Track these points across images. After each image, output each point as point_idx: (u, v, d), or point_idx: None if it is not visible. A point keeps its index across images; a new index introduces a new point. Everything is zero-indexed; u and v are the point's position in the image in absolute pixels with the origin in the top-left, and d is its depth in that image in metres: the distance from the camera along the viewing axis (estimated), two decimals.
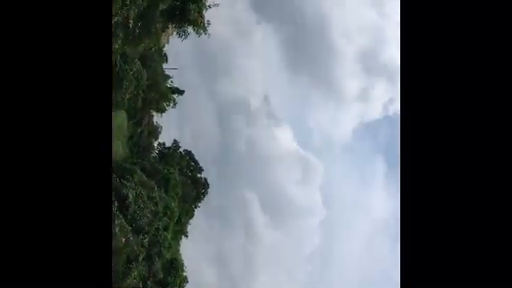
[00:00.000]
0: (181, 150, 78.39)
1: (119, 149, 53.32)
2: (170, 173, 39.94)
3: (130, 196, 31.11)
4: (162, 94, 50.99)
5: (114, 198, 30.79)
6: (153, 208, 32.57)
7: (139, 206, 31.61)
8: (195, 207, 77.38)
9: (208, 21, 41.21)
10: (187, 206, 65.18)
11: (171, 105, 53.45)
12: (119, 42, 31.72)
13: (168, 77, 59.36)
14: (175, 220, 36.98)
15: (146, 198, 32.67)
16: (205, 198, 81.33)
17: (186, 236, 45.84)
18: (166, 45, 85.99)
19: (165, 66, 68.43)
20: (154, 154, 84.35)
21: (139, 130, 73.61)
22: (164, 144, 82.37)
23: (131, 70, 37.26)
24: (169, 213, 34.31)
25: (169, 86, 56.73)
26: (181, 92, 62.29)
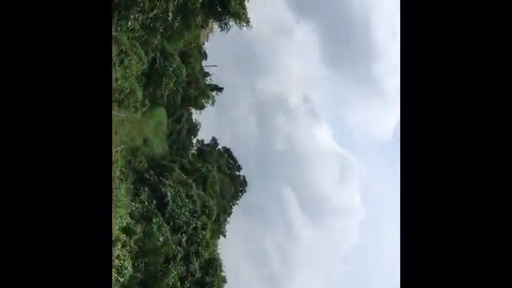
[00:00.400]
0: (219, 147, 78.10)
1: (158, 146, 53.04)
2: (209, 170, 39.08)
3: (169, 194, 30.39)
4: (200, 91, 50.25)
5: (152, 196, 30.17)
6: (191, 207, 31.76)
7: (177, 205, 30.87)
8: (233, 205, 76.97)
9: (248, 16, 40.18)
10: (225, 204, 64.57)
11: (210, 102, 52.64)
12: (158, 36, 30.98)
13: (207, 74, 58.54)
14: (213, 219, 36.07)
15: (184, 197, 31.89)
16: (243, 196, 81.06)
17: (224, 235, 44.94)
18: (206, 42, 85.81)
19: (204, 63, 67.98)
20: (193, 151, 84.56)
21: (178, 127, 73.69)
22: (203, 141, 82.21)
23: (171, 66, 36.56)
24: (207, 211, 33.43)
25: (208, 83, 55.94)
26: (220, 89, 61.33)
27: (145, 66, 33.98)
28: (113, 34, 21.56)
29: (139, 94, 33.09)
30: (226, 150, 75.84)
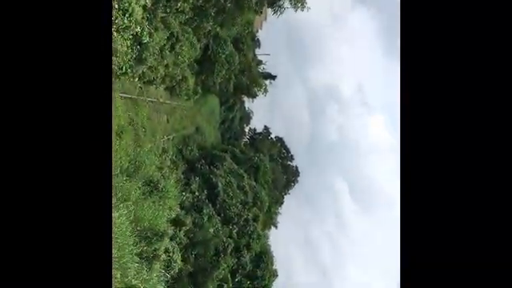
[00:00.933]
0: (272, 136, 76.75)
1: (211, 134, 52.27)
2: (261, 160, 37.69)
3: (220, 185, 29.29)
4: (253, 79, 48.80)
5: (203, 187, 29.17)
6: (242, 197, 30.54)
7: (228, 195, 29.73)
8: (285, 195, 75.59)
9: None
10: (277, 194, 63.26)
11: (262, 90, 51.10)
12: (211, 21, 29.69)
13: (260, 62, 56.87)
14: (265, 210, 34.72)
15: (235, 187, 30.71)
16: (295, 186, 79.48)
17: (276, 226, 43.50)
18: (260, 30, 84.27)
19: (257, 51, 66.48)
20: (245, 139, 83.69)
21: (231, 116, 72.85)
22: (255, 130, 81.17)
23: (223, 53, 35.28)
24: (258, 202, 32.10)
25: (261, 71, 54.37)
26: (273, 77, 59.47)
27: (197, 53, 32.89)
28: (162, 15, 20.55)
29: (191, 81, 32.04)
30: (279, 140, 74.36)
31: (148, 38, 16.51)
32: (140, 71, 17.73)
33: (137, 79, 18.88)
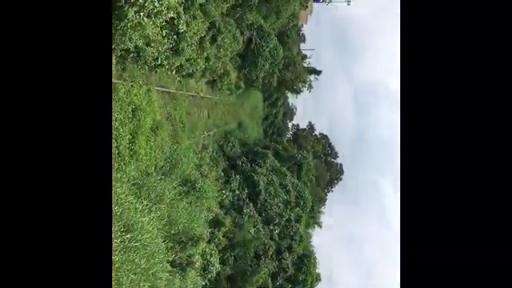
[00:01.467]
0: (316, 133, 74.60)
1: (253, 130, 50.84)
2: (304, 158, 35.88)
3: (261, 183, 27.77)
4: (298, 74, 46.92)
5: (244, 185, 27.73)
6: (284, 197, 28.91)
7: (270, 195, 28.18)
8: (328, 192, 73.37)
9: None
10: (320, 193, 61.26)
11: (307, 86, 49.11)
12: (254, 12, 28.12)
13: (305, 57, 54.71)
14: (308, 210, 32.94)
15: (277, 186, 29.10)
16: (339, 184, 77.07)
17: (320, 226, 41.52)
18: (304, 25, 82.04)
19: (302, 46, 64.43)
20: (288, 135, 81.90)
21: (274, 111, 71.21)
22: (298, 126, 79.21)
23: (267, 46, 33.64)
24: (301, 202, 30.36)
25: (306, 66, 52.31)
26: (318, 72, 57.19)
27: (240, 46, 31.41)
28: (200, 2, 19.10)
29: (233, 75, 30.61)
30: (323, 136, 72.17)
31: (185, 27, 15.09)
32: (178, 63, 16.36)
33: (174, 72, 17.54)
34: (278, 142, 40.41)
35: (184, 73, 19.17)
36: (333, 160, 74.92)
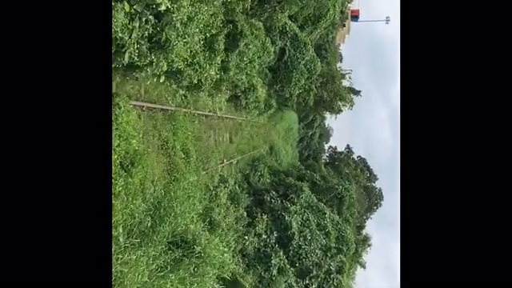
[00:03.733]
0: (354, 156, 67.09)
1: (288, 154, 44.13)
2: (346, 189, 28.84)
3: (294, 225, 21.02)
4: (337, 93, 40.12)
5: (272, 226, 21.01)
6: (323, 242, 22.02)
7: (305, 239, 21.37)
8: (367, 219, 65.56)
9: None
10: (360, 220, 53.67)
11: (348, 106, 42.17)
12: (286, 10, 21.77)
13: (344, 75, 47.64)
14: (351, 253, 25.81)
15: (314, 227, 22.25)
16: (378, 210, 69.13)
17: (364, 267, 33.94)
18: (342, 44, 75.25)
19: (339, 65, 57.67)
20: (324, 157, 74.64)
21: (310, 133, 64.35)
22: (335, 148, 71.90)
23: (303, 58, 27.18)
24: (344, 247, 23.32)
25: (345, 85, 45.36)
26: (357, 92, 49.99)
27: (270, 58, 25.08)
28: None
29: (262, 91, 24.23)
30: (362, 160, 64.60)
31: (168, 3, 8.77)
32: (164, 64, 10.04)
33: (163, 79, 11.21)
34: (315, 170, 33.50)
35: (184, 83, 12.85)
36: (372, 184, 67.14)
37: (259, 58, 23.41)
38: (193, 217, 12.46)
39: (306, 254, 21.01)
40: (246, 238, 18.85)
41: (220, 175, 19.46)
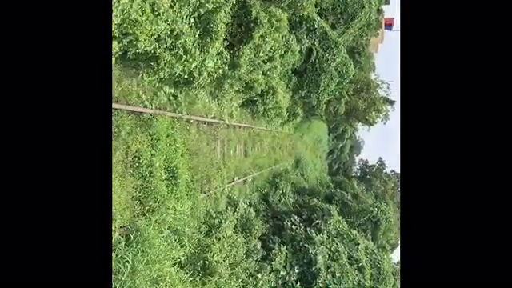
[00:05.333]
0: (386, 170, 61.60)
1: (316, 167, 39.53)
2: (382, 211, 24.04)
3: (320, 258, 16.49)
4: (371, 102, 35.37)
5: (293, 260, 16.56)
6: (356, 278, 17.42)
7: (333, 275, 16.81)
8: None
9: None
10: (392, 239, 48.27)
11: (382, 117, 37.31)
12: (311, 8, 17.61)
13: (379, 85, 42.65)
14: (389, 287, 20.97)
15: (344, 260, 17.63)
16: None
17: None
18: (375, 53, 70.18)
19: (372, 76, 52.81)
20: (355, 169, 69.42)
21: (340, 145, 59.45)
22: (367, 161, 66.59)
23: (333, 59, 22.78)
24: (380, 280, 18.60)
25: (381, 94, 40.42)
26: (391, 102, 44.88)
27: (296, 59, 20.84)
28: None
29: (284, 95, 19.98)
30: (396, 175, 59.00)
31: None
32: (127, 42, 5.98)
33: (133, 69, 7.15)
34: (346, 187, 28.74)
35: (161, 74, 8.71)
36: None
37: (281, 57, 19.18)
38: (165, 268, 8.23)
39: None
40: (259, 276, 14.48)
41: (229, 197, 15.25)
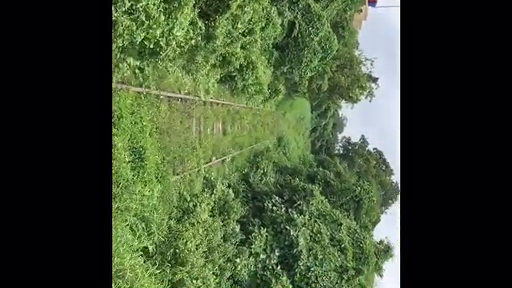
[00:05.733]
0: (369, 147, 61.26)
1: (298, 145, 38.76)
2: (365, 190, 23.42)
3: (301, 241, 15.77)
4: (355, 79, 34.46)
5: (274, 243, 15.82)
6: (339, 260, 16.78)
7: (315, 257, 16.15)
8: (381, 213, 60.02)
9: None
10: (374, 217, 48.24)
11: (366, 94, 36.50)
12: None
13: (362, 61, 41.59)
14: (371, 268, 20.51)
15: (327, 242, 16.97)
16: (393, 204, 63.48)
17: (381, 276, 28.69)
18: (359, 30, 68.96)
19: (357, 52, 51.78)
20: (338, 147, 69.02)
21: (323, 123, 58.74)
22: (349, 139, 66.08)
23: (316, 33, 21.67)
24: (365, 268, 18.00)
25: (364, 71, 39.44)
26: (375, 80, 43.99)
27: (277, 32, 19.67)
28: None
29: (264, 71, 18.89)
30: (378, 152, 58.71)
31: None
32: None
33: None
34: (329, 166, 28.03)
35: (119, 41, 7.55)
36: (387, 177, 61.35)
37: (262, 30, 18.00)
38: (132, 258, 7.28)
39: (317, 278, 15.78)
40: (238, 260, 13.70)
41: (205, 178, 14.29)
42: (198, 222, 11.41)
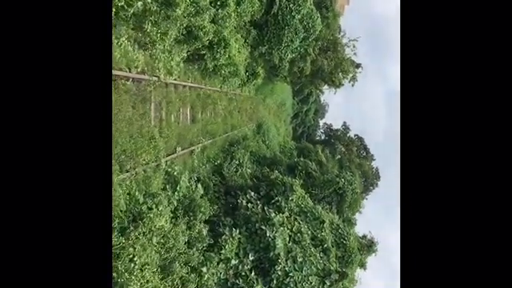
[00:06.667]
0: (351, 134, 59.53)
1: (279, 132, 36.57)
2: (348, 182, 21.44)
3: (279, 242, 13.66)
4: (338, 63, 32.24)
5: (248, 245, 13.66)
6: (320, 263, 14.78)
7: (294, 261, 14.09)
8: (362, 199, 58.72)
9: None
10: (356, 206, 46.71)
11: (349, 78, 34.32)
12: None
13: (347, 43, 39.11)
14: (355, 265, 18.64)
15: (308, 242, 14.91)
16: (374, 190, 62.22)
17: (365, 268, 27.03)
18: (342, 15, 66.69)
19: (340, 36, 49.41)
20: (319, 133, 67.25)
21: (305, 109, 56.70)
22: (331, 126, 64.25)
23: (298, 11, 19.28)
24: (349, 271, 16.02)
25: (348, 55, 37.11)
26: (357, 66, 41.75)
27: (255, 7, 17.24)
28: None
29: (241, 51, 16.47)
30: (359, 139, 57.03)
31: None
32: None
33: None
34: (311, 154, 25.92)
35: None
36: (368, 163, 59.90)
37: (237, 4, 15.55)
38: None
39: (296, 285, 13.72)
40: (204, 269, 11.50)
41: (167, 173, 11.96)
42: (151, 230, 9.12)
